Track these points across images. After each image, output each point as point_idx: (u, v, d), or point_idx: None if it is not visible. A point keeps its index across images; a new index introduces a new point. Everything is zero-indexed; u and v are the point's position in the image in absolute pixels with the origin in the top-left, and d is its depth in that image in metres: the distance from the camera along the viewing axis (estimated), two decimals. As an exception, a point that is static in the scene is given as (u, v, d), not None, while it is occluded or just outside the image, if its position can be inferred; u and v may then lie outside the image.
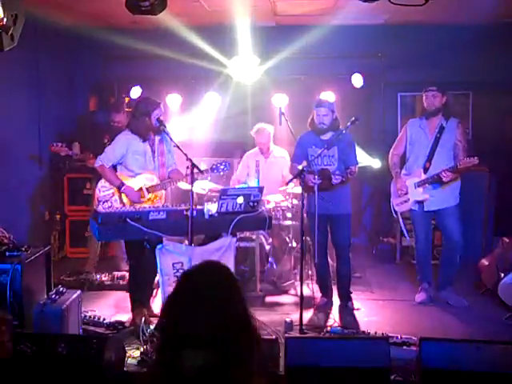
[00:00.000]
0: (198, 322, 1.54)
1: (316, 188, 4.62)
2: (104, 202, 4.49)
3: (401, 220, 5.35)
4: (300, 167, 4.73)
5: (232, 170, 6.18)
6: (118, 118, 6.05)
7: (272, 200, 5.69)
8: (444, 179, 4.80)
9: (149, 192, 4.58)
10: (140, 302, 4.52)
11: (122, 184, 4.50)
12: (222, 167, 4.73)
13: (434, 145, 4.93)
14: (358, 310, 4.97)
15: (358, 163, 4.94)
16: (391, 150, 5.26)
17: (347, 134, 4.84)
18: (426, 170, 4.94)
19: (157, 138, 4.68)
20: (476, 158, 4.62)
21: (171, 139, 4.50)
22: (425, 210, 5.00)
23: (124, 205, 4.52)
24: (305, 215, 4.63)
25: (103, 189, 4.57)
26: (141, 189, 4.57)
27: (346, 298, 5.05)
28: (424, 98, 4.99)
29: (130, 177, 4.59)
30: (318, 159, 4.85)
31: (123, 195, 4.56)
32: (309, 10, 6.17)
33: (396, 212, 5.20)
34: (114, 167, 4.66)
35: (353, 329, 4.42)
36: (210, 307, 1.55)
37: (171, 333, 1.59)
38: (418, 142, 5.02)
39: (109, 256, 6.32)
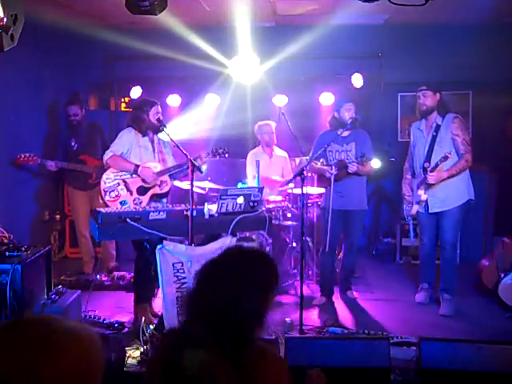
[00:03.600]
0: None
1: (332, 179, 4.84)
2: (110, 192, 4.52)
3: (411, 222, 5.37)
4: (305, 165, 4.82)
5: (233, 168, 6.18)
6: (74, 111, 5.95)
7: (272, 200, 5.69)
8: (428, 181, 4.74)
9: (158, 176, 4.64)
10: (144, 294, 4.54)
11: (137, 166, 4.54)
12: (220, 151, 4.63)
13: (431, 144, 4.87)
14: (357, 298, 5.24)
15: (372, 157, 5.12)
16: (407, 156, 5.28)
17: (363, 131, 5.15)
18: (425, 171, 4.87)
19: (156, 137, 4.76)
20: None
21: (171, 139, 4.49)
22: (429, 211, 4.91)
23: (131, 193, 4.55)
24: (308, 212, 4.65)
25: (108, 180, 4.58)
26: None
27: (346, 287, 5.33)
28: (417, 98, 4.96)
29: None
30: (336, 154, 5.08)
31: (133, 180, 4.58)
32: (309, 9, 6.17)
33: (406, 216, 5.14)
34: None
35: (353, 329, 4.43)
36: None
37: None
38: (418, 143, 5.02)
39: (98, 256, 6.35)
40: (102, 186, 4.60)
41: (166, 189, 4.68)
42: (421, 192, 4.86)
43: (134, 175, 4.58)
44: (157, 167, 4.68)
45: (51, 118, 6.66)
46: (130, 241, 4.67)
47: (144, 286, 4.57)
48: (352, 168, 4.83)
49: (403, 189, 5.15)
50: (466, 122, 4.90)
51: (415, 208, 4.99)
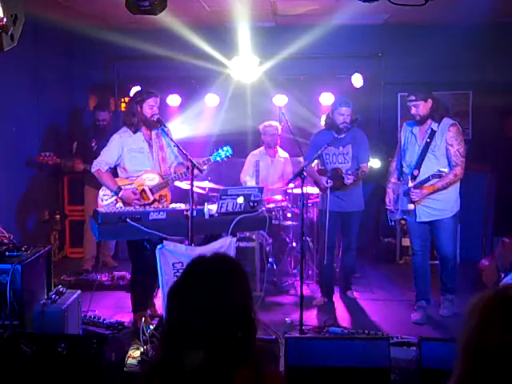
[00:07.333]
0: (197, 321, 1.55)
1: (328, 191, 4.79)
2: None
3: (398, 227, 5.32)
4: (303, 164, 4.79)
5: (233, 168, 6.18)
6: (102, 117, 6.11)
7: (274, 200, 5.71)
8: (412, 198, 4.58)
9: (153, 193, 4.46)
10: (142, 303, 4.51)
11: (120, 189, 4.36)
12: (223, 153, 4.50)
13: (423, 151, 4.59)
14: (357, 298, 5.25)
15: (369, 160, 5.06)
16: (393, 157, 5.01)
17: (361, 131, 5.02)
18: (414, 178, 4.62)
19: (153, 133, 4.53)
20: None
21: (171, 139, 4.46)
22: (417, 220, 4.70)
23: None
24: (305, 214, 4.65)
25: (105, 197, 4.43)
26: (143, 191, 4.45)
27: (346, 287, 5.32)
28: (409, 109, 4.67)
29: (131, 178, 4.47)
30: (333, 157, 4.98)
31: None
32: (309, 9, 6.17)
33: (390, 220, 4.96)
34: (115, 171, 4.56)
35: (353, 329, 4.42)
36: (210, 305, 1.56)
37: (172, 332, 1.60)
38: (410, 148, 4.73)
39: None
40: (100, 203, 4.41)
41: (166, 203, 4.48)
42: (410, 205, 4.66)
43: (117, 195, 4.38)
44: (154, 179, 4.47)
45: (53, 118, 6.66)
46: (127, 251, 4.58)
47: (141, 296, 4.52)
48: (348, 181, 4.72)
49: (386, 195, 4.91)
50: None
51: (397, 214, 4.82)
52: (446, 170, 4.45)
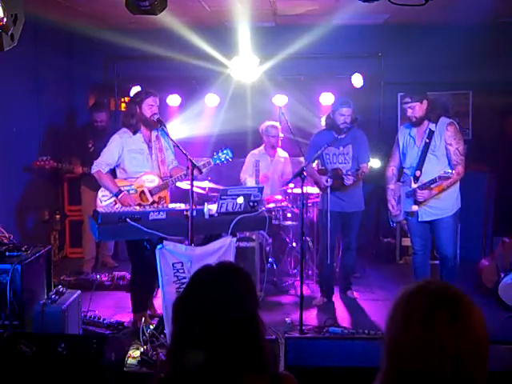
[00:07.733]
0: (203, 330, 1.55)
1: (328, 190, 4.79)
2: None
3: (404, 225, 5.34)
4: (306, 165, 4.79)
5: (233, 168, 6.18)
6: (100, 118, 6.08)
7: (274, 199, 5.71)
8: (418, 199, 4.56)
9: (152, 195, 4.47)
10: (142, 303, 4.52)
11: (120, 191, 4.36)
12: (223, 156, 4.51)
13: (423, 151, 4.57)
14: (357, 298, 5.27)
15: (369, 160, 5.06)
16: (389, 163, 4.98)
17: (361, 131, 5.02)
18: (416, 179, 4.59)
19: (153, 134, 4.55)
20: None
21: (171, 139, 4.46)
22: (419, 220, 4.70)
23: None
24: (305, 214, 4.65)
25: (104, 198, 4.43)
26: (143, 192, 4.46)
27: (346, 287, 5.32)
28: (405, 111, 4.65)
29: (130, 179, 4.47)
30: (333, 158, 4.99)
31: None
32: (309, 10, 6.17)
33: (393, 222, 4.97)
34: (113, 172, 4.56)
35: (353, 329, 4.43)
36: (216, 313, 1.56)
37: (176, 334, 1.61)
38: (409, 151, 4.71)
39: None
40: (99, 204, 4.40)
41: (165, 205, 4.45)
42: (414, 206, 4.65)
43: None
44: (154, 181, 4.48)
45: (53, 118, 6.66)
46: (127, 251, 4.59)
47: (141, 296, 4.54)
48: (348, 181, 4.76)
49: (389, 202, 4.87)
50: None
51: (400, 215, 4.81)
52: (451, 170, 4.43)
